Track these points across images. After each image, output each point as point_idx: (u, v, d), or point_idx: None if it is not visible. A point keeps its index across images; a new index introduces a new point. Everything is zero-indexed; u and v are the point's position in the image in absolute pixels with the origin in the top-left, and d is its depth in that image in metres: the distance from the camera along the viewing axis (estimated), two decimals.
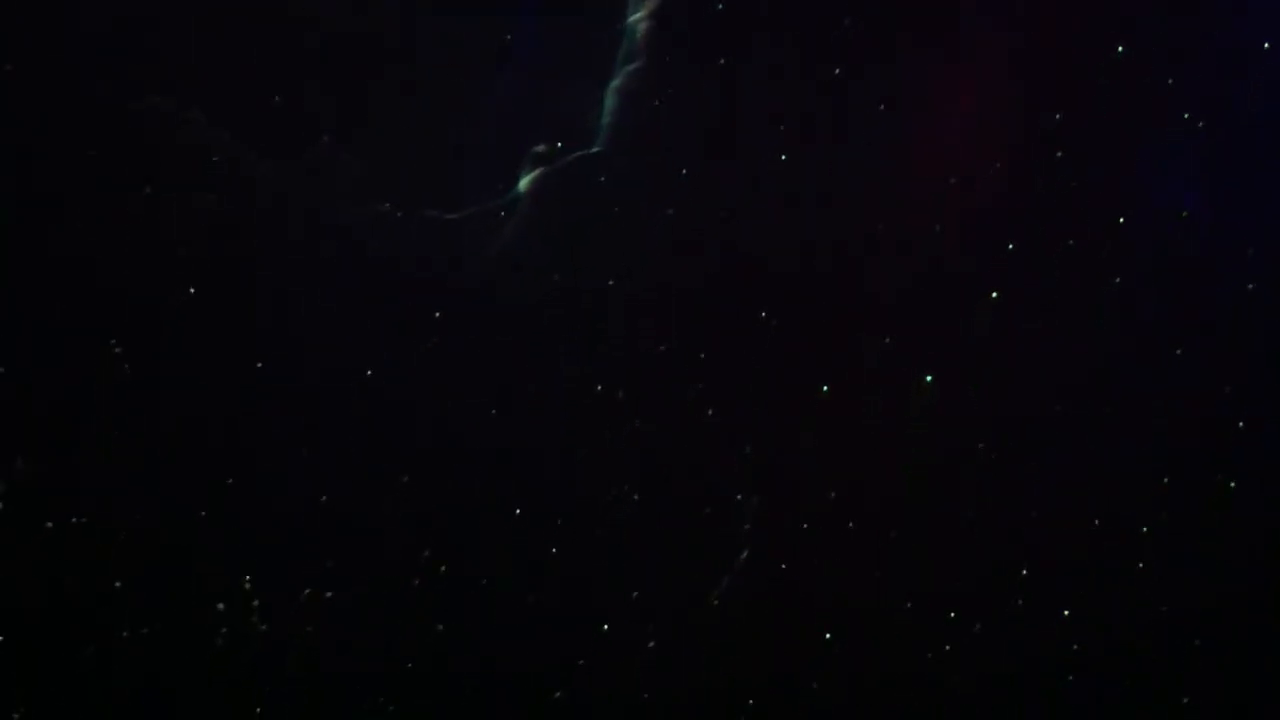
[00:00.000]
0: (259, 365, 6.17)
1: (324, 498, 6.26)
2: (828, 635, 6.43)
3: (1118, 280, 6.56)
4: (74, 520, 6.01)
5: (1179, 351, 6.54)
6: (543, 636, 6.39)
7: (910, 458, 6.52)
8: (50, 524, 5.99)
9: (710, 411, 6.44)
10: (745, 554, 6.45)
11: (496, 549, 6.37)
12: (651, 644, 6.44)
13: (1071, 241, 6.56)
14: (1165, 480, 6.54)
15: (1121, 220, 6.53)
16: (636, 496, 6.46)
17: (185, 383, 6.13)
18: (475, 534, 6.36)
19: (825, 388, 6.50)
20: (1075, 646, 6.48)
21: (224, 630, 6.18)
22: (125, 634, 6.09)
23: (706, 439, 6.46)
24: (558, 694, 6.38)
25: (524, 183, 6.34)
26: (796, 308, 6.50)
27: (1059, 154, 6.50)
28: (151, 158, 6.02)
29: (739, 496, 6.49)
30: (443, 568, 6.31)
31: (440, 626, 6.33)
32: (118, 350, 6.04)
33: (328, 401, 6.24)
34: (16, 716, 6.00)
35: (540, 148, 6.36)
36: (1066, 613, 6.49)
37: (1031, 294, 6.55)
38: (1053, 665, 6.49)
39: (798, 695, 6.45)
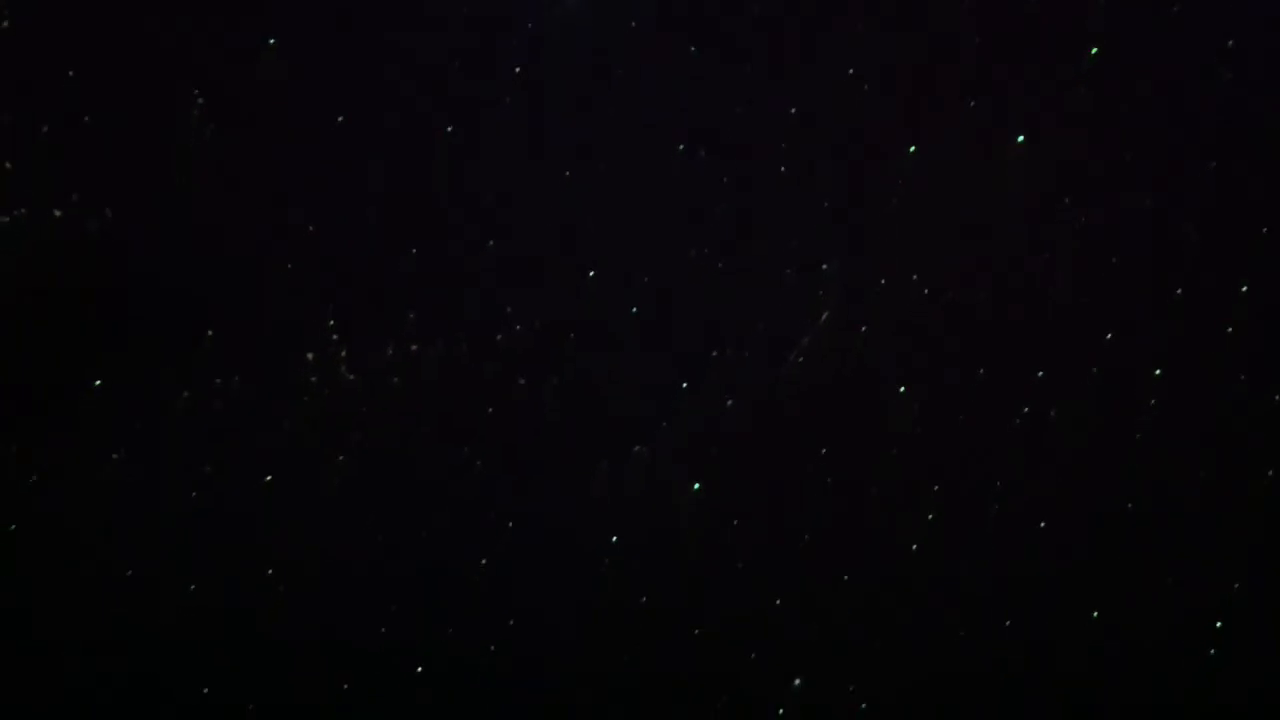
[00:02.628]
0: (340, 119, 6.29)
1: (414, 250, 6.40)
2: (902, 389, 6.42)
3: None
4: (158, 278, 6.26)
5: None
6: (621, 396, 6.48)
7: (994, 222, 6.43)
8: (134, 274, 6.25)
9: (783, 168, 6.40)
10: (825, 315, 6.44)
11: (577, 308, 6.46)
12: (730, 402, 6.49)
13: None
14: None
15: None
16: (721, 264, 6.48)
17: (264, 144, 6.29)
18: (556, 293, 6.45)
19: (912, 148, 6.42)
20: None
21: (313, 379, 6.40)
22: (218, 380, 6.35)
23: (788, 199, 6.43)
24: (637, 448, 6.49)
25: None
26: (886, 59, 6.40)
27: None
28: None
29: (824, 267, 6.46)
30: (517, 326, 6.42)
31: (522, 380, 6.46)
32: (200, 98, 6.22)
33: (407, 155, 6.35)
34: (116, 456, 6.32)
35: None
36: None
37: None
38: None
39: (871, 450, 6.48)
